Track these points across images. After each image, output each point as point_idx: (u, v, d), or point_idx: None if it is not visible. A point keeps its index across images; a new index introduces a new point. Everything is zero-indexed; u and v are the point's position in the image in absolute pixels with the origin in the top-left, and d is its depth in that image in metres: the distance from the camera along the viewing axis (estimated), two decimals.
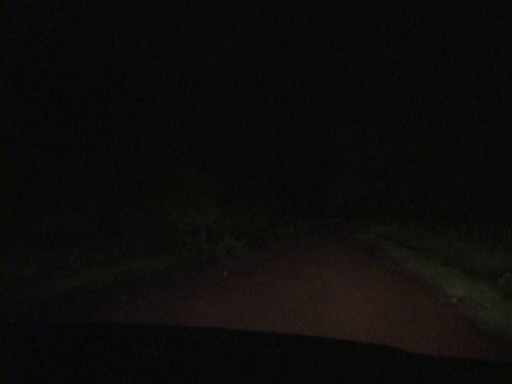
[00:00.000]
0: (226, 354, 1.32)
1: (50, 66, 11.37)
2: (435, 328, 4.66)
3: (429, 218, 27.78)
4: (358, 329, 4.58)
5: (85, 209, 10.86)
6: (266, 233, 19.90)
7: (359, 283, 7.40)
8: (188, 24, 13.78)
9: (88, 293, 6.60)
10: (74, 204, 10.61)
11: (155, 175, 12.27)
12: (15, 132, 9.88)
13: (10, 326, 1.73)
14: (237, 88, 18.35)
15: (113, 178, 11.71)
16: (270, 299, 6.09)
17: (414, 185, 32.30)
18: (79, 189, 10.77)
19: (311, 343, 1.56)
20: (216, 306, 5.65)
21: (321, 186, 34.03)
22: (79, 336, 1.49)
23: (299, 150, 29.13)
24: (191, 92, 13.27)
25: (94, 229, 10.79)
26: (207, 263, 10.27)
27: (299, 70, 26.61)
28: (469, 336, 4.44)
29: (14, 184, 9.33)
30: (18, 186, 9.50)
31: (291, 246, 15.28)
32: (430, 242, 15.75)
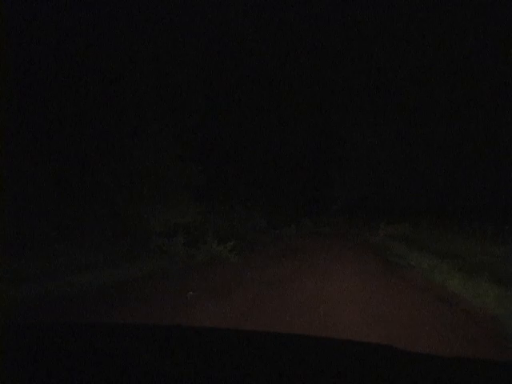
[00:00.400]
0: (225, 354, 1.30)
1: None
2: None
3: (442, 217, 25.66)
4: None
5: (28, 206, 8.64)
6: (264, 233, 17.75)
7: (380, 312, 5.11)
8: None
9: None
10: (13, 199, 8.38)
11: (122, 164, 10.03)
12: None
13: (10, 326, 1.68)
14: (230, 67, 16.10)
15: (68, 167, 9.49)
16: None
17: (422, 181, 30.05)
18: (19, 180, 8.54)
19: (311, 343, 1.54)
20: None
21: (326, 182, 31.90)
22: (79, 336, 1.47)
23: (303, 142, 27.12)
24: (168, 63, 11.03)
25: (40, 231, 8.57)
26: (177, 276, 8.01)
27: (305, 54, 24.36)
28: None
29: None
30: None
31: (291, 250, 13.00)
32: (450, 244, 13.49)
